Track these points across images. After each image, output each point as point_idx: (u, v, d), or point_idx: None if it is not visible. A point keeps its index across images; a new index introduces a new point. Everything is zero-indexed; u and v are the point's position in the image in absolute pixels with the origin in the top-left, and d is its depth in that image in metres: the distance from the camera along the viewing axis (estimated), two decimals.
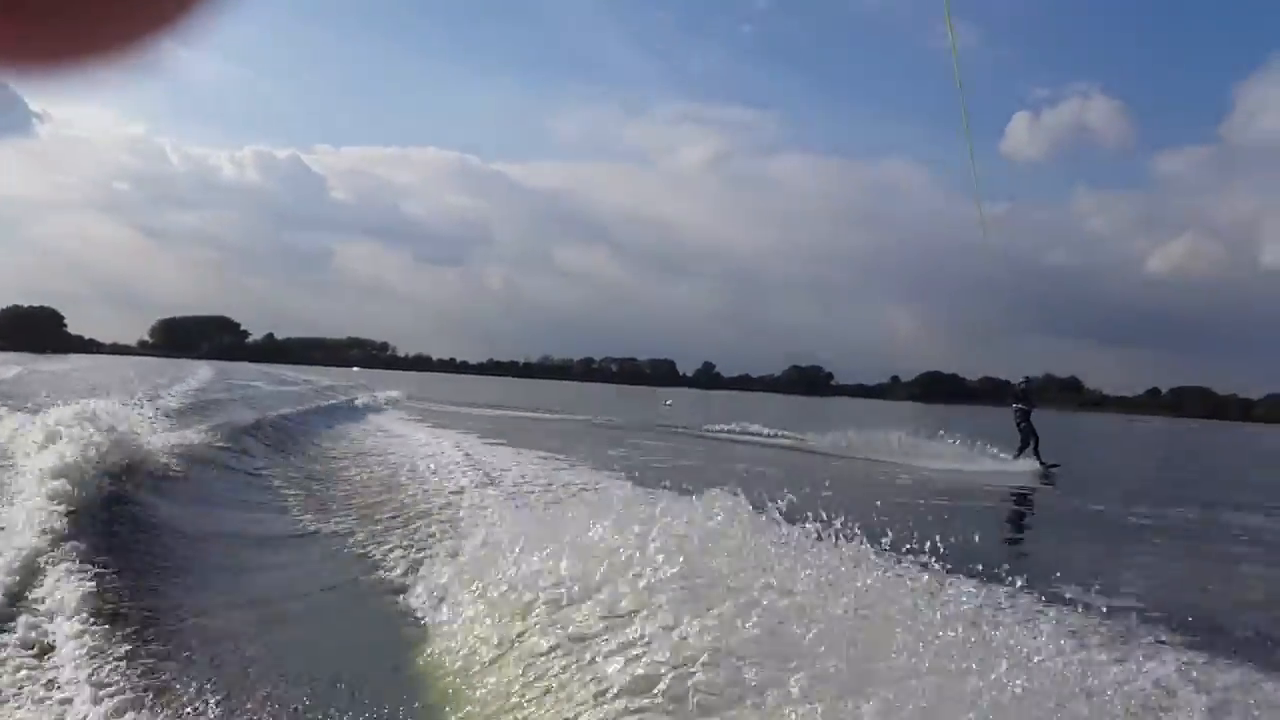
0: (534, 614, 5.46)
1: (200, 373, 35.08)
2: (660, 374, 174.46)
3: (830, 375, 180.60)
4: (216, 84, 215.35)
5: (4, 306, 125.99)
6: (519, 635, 5.35)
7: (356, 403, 27.55)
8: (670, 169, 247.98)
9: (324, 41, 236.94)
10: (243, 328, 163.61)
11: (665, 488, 7.43)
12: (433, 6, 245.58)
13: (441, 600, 6.52)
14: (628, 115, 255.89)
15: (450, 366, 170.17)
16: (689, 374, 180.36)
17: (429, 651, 5.74)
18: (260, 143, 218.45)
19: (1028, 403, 20.38)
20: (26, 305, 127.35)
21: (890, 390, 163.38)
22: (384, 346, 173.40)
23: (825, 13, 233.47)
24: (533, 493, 11.32)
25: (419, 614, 6.52)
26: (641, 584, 5.18)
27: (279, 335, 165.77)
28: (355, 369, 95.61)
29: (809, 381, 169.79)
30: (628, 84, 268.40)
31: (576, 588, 5.48)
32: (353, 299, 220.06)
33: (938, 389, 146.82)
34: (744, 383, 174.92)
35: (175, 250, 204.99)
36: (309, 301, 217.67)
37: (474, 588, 6.29)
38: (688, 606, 4.74)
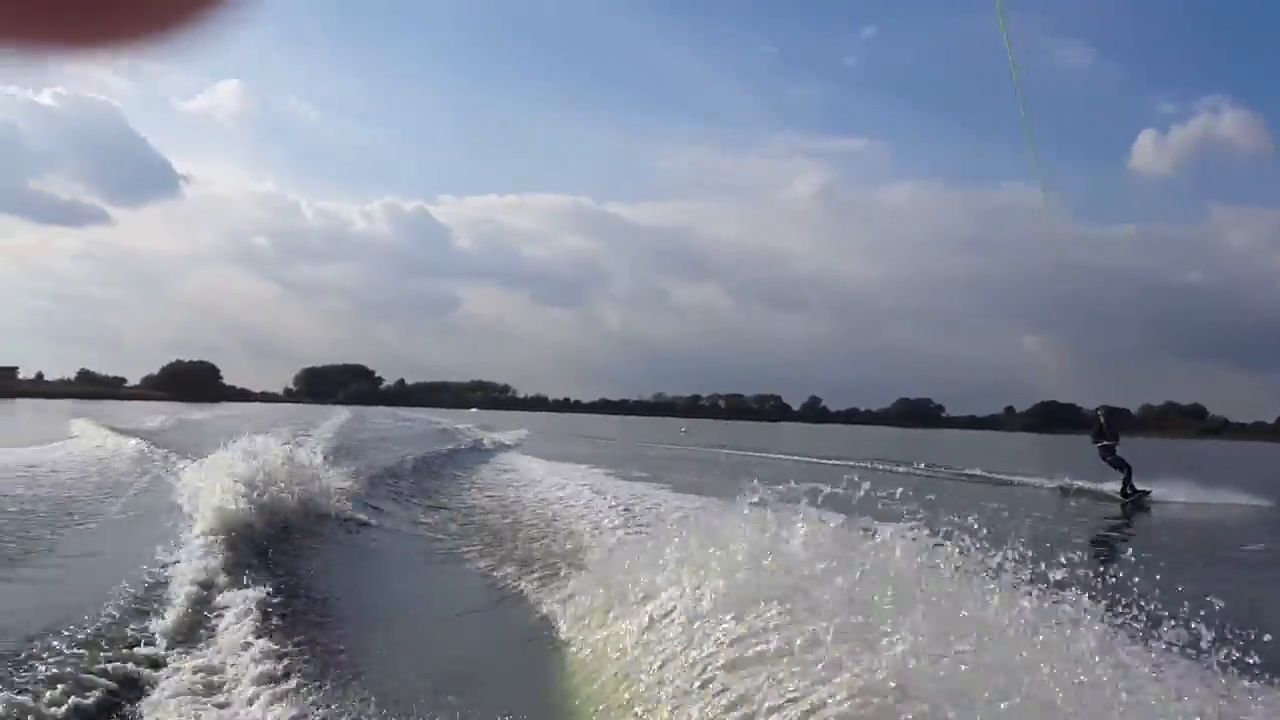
0: (669, 636, 5.46)
1: (340, 417, 36.94)
2: (767, 409, 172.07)
3: (940, 407, 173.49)
4: (346, 142, 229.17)
5: (168, 362, 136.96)
6: (652, 654, 5.37)
7: (485, 442, 28.37)
8: (778, 202, 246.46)
9: (442, 99, 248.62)
10: (376, 374, 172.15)
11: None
12: (538, 58, 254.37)
13: (577, 619, 6.72)
14: (732, 151, 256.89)
15: (565, 406, 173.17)
16: (796, 408, 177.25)
17: (564, 666, 5.96)
18: (388, 196, 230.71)
19: (1112, 436, 18.93)
20: (187, 360, 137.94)
21: (1004, 421, 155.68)
22: (504, 388, 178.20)
23: (931, 38, 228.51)
24: (659, 521, 11.29)
25: (556, 632, 6.75)
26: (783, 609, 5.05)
27: (409, 380, 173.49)
28: (474, 410, 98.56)
29: (919, 414, 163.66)
30: (730, 121, 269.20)
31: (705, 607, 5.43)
32: (476, 342, 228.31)
33: (1055, 419, 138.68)
34: (852, 416, 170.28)
35: (311, 301, 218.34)
36: (435, 346, 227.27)
37: (607, 609, 6.42)
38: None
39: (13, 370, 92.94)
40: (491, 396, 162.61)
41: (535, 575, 8.69)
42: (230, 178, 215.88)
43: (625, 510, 12.41)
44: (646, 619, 5.85)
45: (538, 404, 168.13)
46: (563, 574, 8.43)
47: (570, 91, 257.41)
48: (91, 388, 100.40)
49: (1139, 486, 18.63)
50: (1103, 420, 19.16)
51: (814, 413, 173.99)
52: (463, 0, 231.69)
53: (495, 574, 9.08)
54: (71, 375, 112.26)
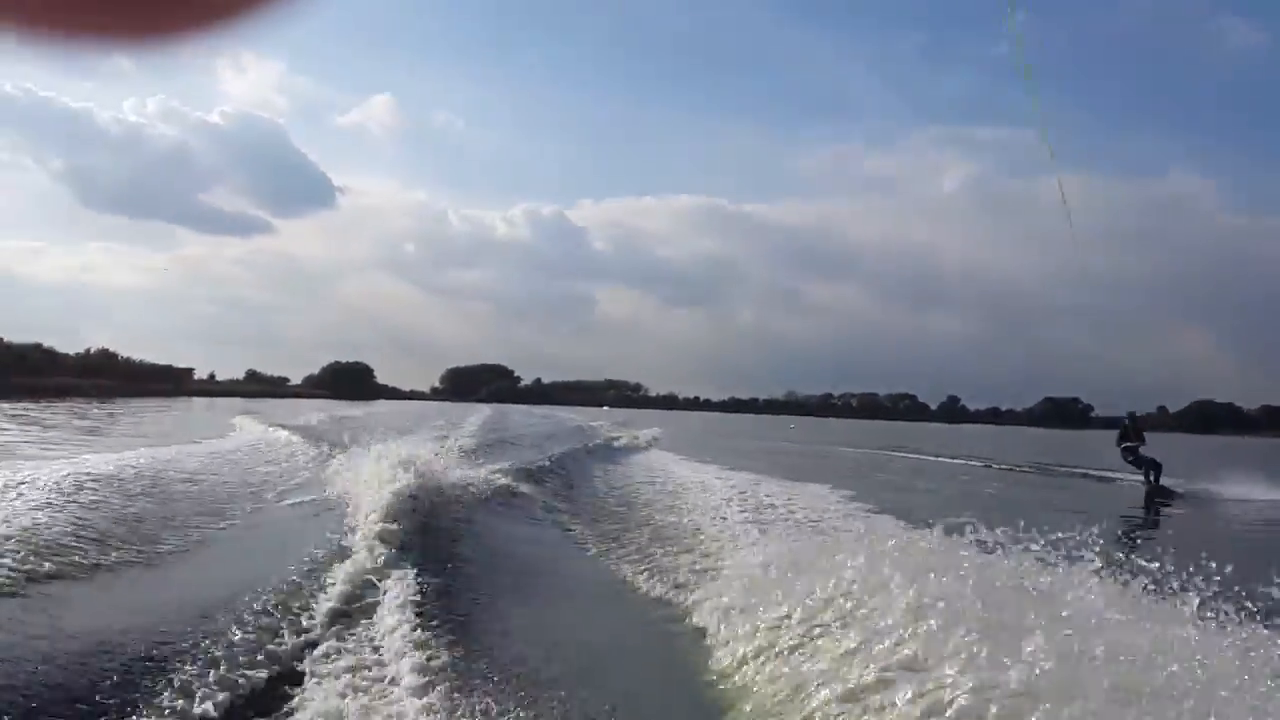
0: (807, 633, 5.48)
1: (483, 413, 38.28)
2: (901, 408, 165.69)
3: (1089, 407, 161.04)
4: (489, 151, 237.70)
5: (327, 363, 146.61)
6: (788, 650, 5.40)
7: (621, 439, 28.54)
8: (921, 197, 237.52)
9: (580, 105, 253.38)
10: (515, 373, 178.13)
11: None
12: (675, 63, 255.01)
13: (713, 614, 6.69)
14: (872, 146, 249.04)
15: (695, 404, 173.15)
16: (933, 407, 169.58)
17: (703, 660, 5.95)
18: (528, 201, 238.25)
19: (1137, 438, 19.67)
20: (345, 361, 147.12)
21: (1157, 421, 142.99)
22: (637, 387, 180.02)
23: (1088, 22, 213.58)
24: (801, 522, 10.92)
25: (699, 624, 6.73)
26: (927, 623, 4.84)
27: (545, 379, 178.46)
28: (605, 408, 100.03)
29: (1064, 414, 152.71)
30: (873, 116, 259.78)
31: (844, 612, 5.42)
32: (610, 342, 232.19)
33: (1211, 418, 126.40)
34: (992, 416, 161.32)
35: (455, 304, 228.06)
36: (571, 346, 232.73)
37: (743, 607, 6.41)
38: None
39: (190, 371, 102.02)
40: (624, 395, 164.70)
41: (674, 568, 8.69)
42: (382, 188, 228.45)
43: (763, 507, 12.06)
44: (792, 617, 5.82)
45: (668, 402, 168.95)
46: (702, 569, 8.44)
47: (707, 95, 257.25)
48: (258, 386, 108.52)
49: (1166, 485, 19.16)
50: (1128, 424, 20.08)
51: (951, 412, 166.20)
52: (599, 9, 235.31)
53: (635, 567, 9.10)
54: (240, 375, 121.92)
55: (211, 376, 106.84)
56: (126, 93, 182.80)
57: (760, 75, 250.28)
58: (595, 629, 7.16)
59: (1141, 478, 19.28)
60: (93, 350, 70.78)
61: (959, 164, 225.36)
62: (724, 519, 11.26)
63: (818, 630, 5.47)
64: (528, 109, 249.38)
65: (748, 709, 5.03)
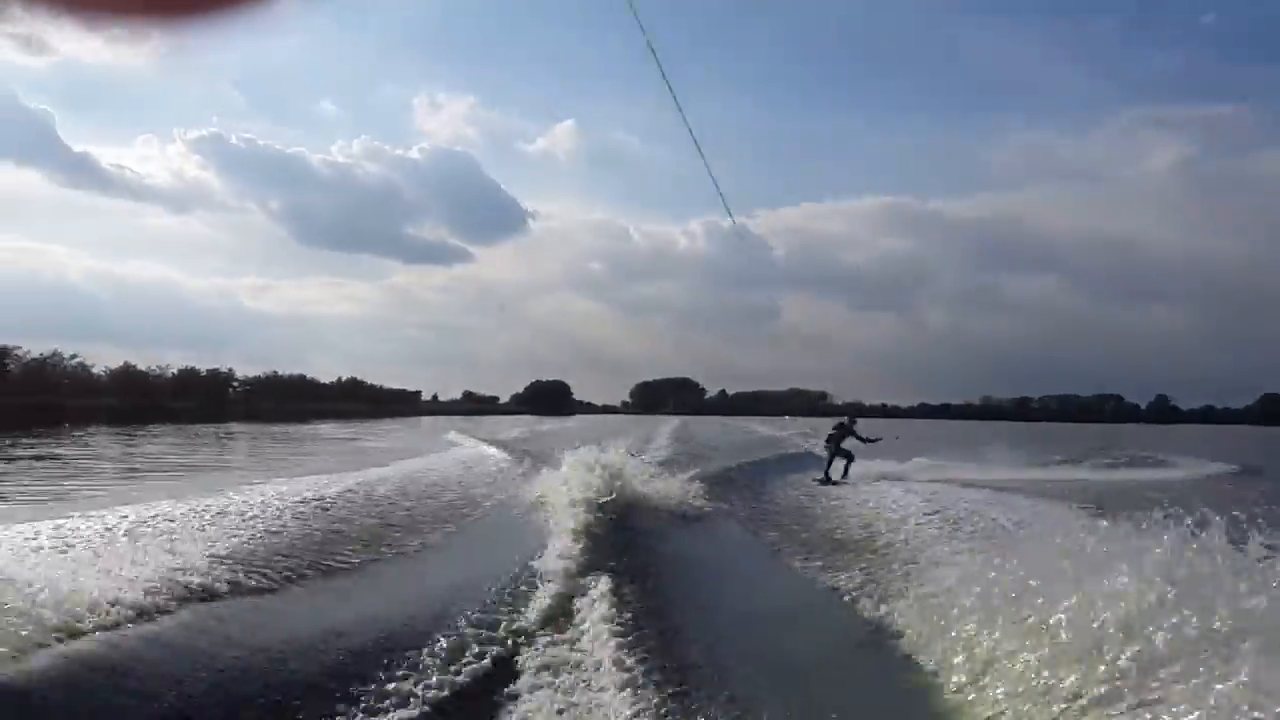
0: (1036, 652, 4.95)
1: (670, 426, 38.70)
2: (1105, 410, 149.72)
3: None
4: (666, 167, 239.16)
5: (530, 382, 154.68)
6: (1014, 672, 4.94)
7: (810, 449, 27.63)
8: (1125, 182, 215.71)
9: (753, 115, 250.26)
10: (700, 385, 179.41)
11: None
12: (850, 66, 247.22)
13: (923, 629, 6.28)
14: (1069, 133, 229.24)
15: (881, 412, 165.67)
16: (1143, 407, 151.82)
17: (915, 676, 5.59)
18: (706, 214, 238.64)
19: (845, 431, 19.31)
20: (545, 380, 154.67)
21: None
22: (822, 395, 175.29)
23: None
24: (1009, 532, 10.01)
25: (900, 636, 6.36)
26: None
27: (729, 390, 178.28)
28: (787, 417, 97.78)
29: None
30: (1067, 102, 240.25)
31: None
32: (795, 351, 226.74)
33: None
34: (1207, 415, 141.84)
35: (640, 318, 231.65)
36: (755, 356, 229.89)
37: (957, 621, 5.98)
38: None
39: (417, 394, 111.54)
40: (809, 404, 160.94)
41: (877, 579, 8.26)
42: (567, 211, 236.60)
43: (961, 518, 11.18)
44: (1006, 630, 5.39)
45: (854, 410, 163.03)
46: (905, 580, 7.95)
47: (884, 92, 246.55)
48: (473, 405, 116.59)
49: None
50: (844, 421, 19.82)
51: (1161, 412, 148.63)
52: (767, 18, 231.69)
53: (832, 576, 8.73)
54: (459, 395, 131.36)
55: (435, 398, 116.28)
56: (334, 136, 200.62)
57: (941, 68, 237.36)
58: (796, 638, 6.88)
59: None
60: (344, 379, 79.92)
61: (1165, 146, 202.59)
62: (923, 529, 10.56)
63: (1047, 651, 4.91)
64: (702, 123, 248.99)
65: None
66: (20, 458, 21.41)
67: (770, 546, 10.84)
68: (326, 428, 47.14)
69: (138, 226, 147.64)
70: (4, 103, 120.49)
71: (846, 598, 7.84)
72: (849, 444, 19.06)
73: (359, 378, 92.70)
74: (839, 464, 18.53)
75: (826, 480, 17.81)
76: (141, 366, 67.80)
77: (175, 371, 68.22)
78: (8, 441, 25.69)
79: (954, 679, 5.30)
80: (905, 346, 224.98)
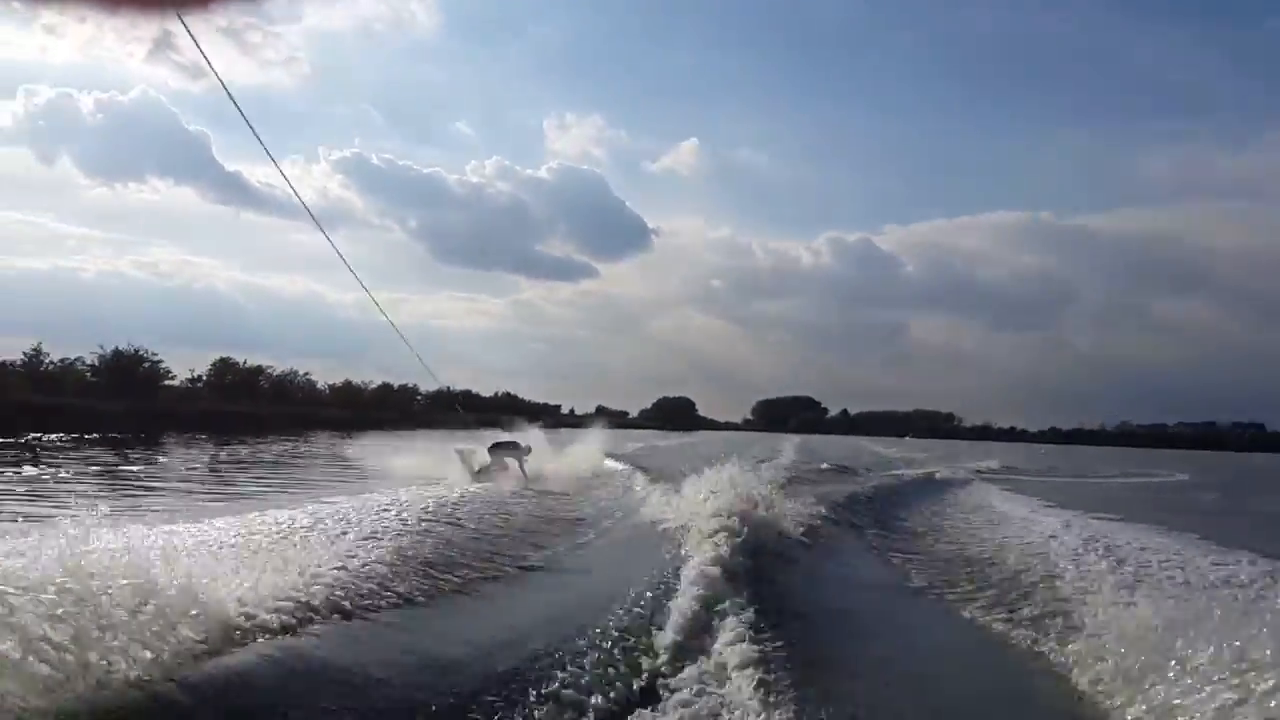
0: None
1: (794, 444, 37.55)
2: (1243, 439, 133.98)
3: None
4: (790, 183, 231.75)
5: (657, 398, 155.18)
6: None
7: (938, 475, 25.99)
8: None
9: (880, 128, 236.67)
10: (821, 404, 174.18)
11: None
12: (982, 76, 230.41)
13: (1091, 673, 5.58)
14: (1228, 145, 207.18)
15: (1008, 435, 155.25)
16: None
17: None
18: (831, 230, 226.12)
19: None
20: (672, 396, 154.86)
21: None
22: (949, 417, 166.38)
23: None
24: (1171, 573, 8.83)
25: (1070, 685, 5.60)
26: None
27: (851, 410, 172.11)
28: (907, 438, 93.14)
29: None
30: (1225, 111, 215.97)
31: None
32: (922, 370, 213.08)
33: None
34: None
35: (762, 335, 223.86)
36: (880, 375, 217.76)
37: (1133, 668, 5.31)
38: None
39: (557, 407, 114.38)
40: (935, 425, 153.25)
41: (1022, 617, 7.39)
42: (690, 227, 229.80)
43: (1117, 551, 9.91)
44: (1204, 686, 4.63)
45: (981, 433, 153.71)
46: (1057, 620, 7.08)
47: (1022, 103, 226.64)
48: (605, 420, 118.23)
49: None
50: None
51: None
52: (897, 28, 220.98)
53: (977, 608, 7.94)
54: (592, 409, 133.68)
55: (571, 412, 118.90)
56: (468, 155, 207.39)
57: (1083, 77, 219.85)
58: (943, 674, 6.23)
59: None
60: (500, 394, 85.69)
61: None
62: (1074, 563, 9.39)
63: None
64: (828, 137, 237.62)
65: None
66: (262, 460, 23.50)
67: (903, 571, 10.07)
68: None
69: (285, 242, 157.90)
70: (169, 125, 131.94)
71: (1001, 632, 7.10)
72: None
73: (513, 393, 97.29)
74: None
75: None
76: (356, 381, 76.05)
77: (376, 385, 75.96)
78: (267, 440, 31.56)
79: None
80: (1041, 368, 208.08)
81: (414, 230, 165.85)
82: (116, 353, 51.71)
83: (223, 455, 25.92)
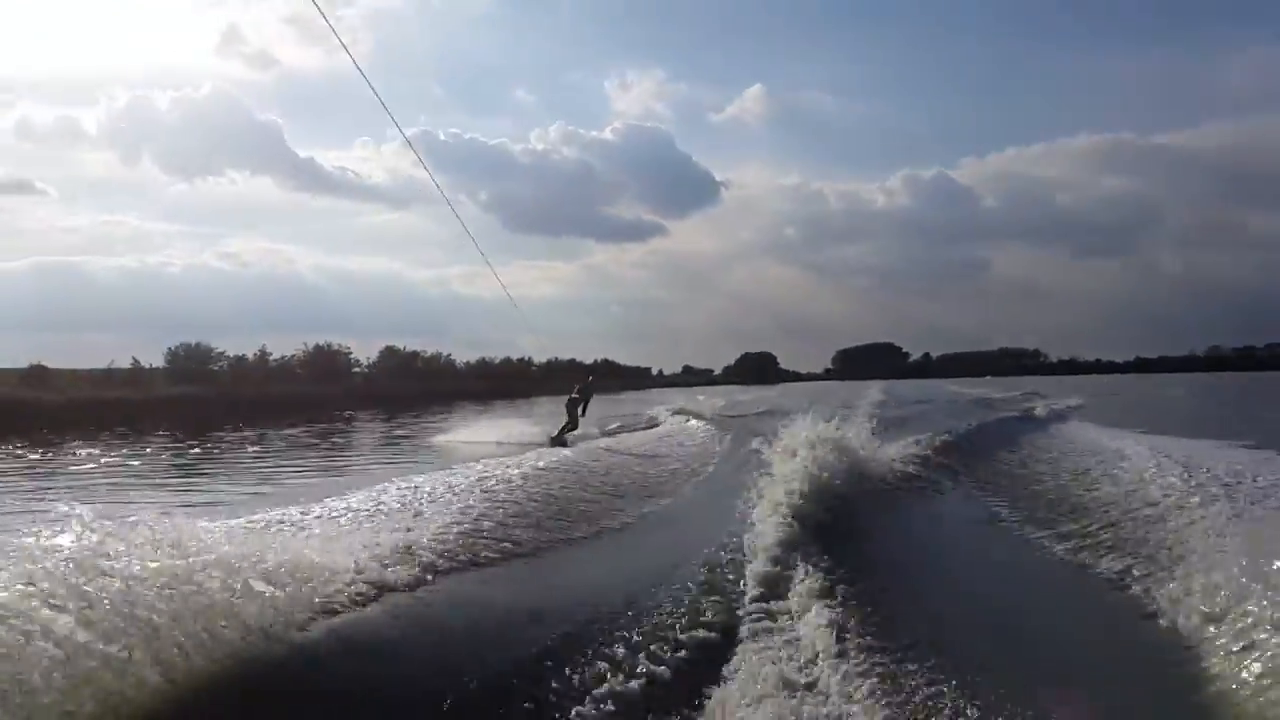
0: None
1: (874, 392, 36.27)
2: None
3: None
4: (860, 123, 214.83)
5: (739, 354, 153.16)
6: None
7: (1036, 412, 24.41)
8: None
9: (949, 57, 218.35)
10: (903, 349, 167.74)
11: None
12: None
13: (1205, 619, 4.96)
14: None
15: (1094, 368, 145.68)
16: None
17: (1183, 661, 4.55)
18: (905, 169, 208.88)
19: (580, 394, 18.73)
20: (754, 352, 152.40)
21: None
22: (1035, 354, 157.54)
23: None
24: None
25: (1167, 623, 5.16)
26: None
27: (933, 353, 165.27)
28: (988, 377, 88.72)
29: None
30: None
31: None
32: (1006, 306, 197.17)
33: None
34: None
35: (839, 282, 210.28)
36: (962, 314, 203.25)
37: (1236, 603, 4.82)
38: None
39: (647, 369, 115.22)
40: (1019, 363, 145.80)
41: (1124, 552, 6.90)
42: (759, 177, 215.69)
43: (1222, 483, 8.95)
44: None
45: (1068, 367, 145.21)
46: (1159, 554, 6.55)
47: (1095, 21, 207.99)
48: (692, 378, 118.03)
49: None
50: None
51: None
52: None
53: (1071, 547, 7.44)
54: (679, 369, 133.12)
55: (660, 373, 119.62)
56: (531, 124, 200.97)
57: None
58: (1033, 617, 5.80)
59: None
60: (599, 360, 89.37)
61: None
62: (1173, 496, 8.55)
63: None
64: (896, 72, 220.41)
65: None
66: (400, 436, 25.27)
67: (995, 514, 9.55)
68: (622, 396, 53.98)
69: (362, 224, 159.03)
70: (240, 117, 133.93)
71: (1096, 571, 6.65)
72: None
73: (611, 359, 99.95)
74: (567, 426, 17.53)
75: (558, 440, 16.60)
76: (492, 358, 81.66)
77: (499, 360, 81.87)
78: (413, 415, 35.02)
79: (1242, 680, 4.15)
80: (1127, 295, 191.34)
81: (484, 203, 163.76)
82: (317, 347, 60.95)
83: (397, 429, 28.05)
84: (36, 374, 41.11)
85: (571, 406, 18.63)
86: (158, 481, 14.32)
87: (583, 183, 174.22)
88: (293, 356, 59.44)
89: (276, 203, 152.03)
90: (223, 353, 53.56)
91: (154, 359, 50.23)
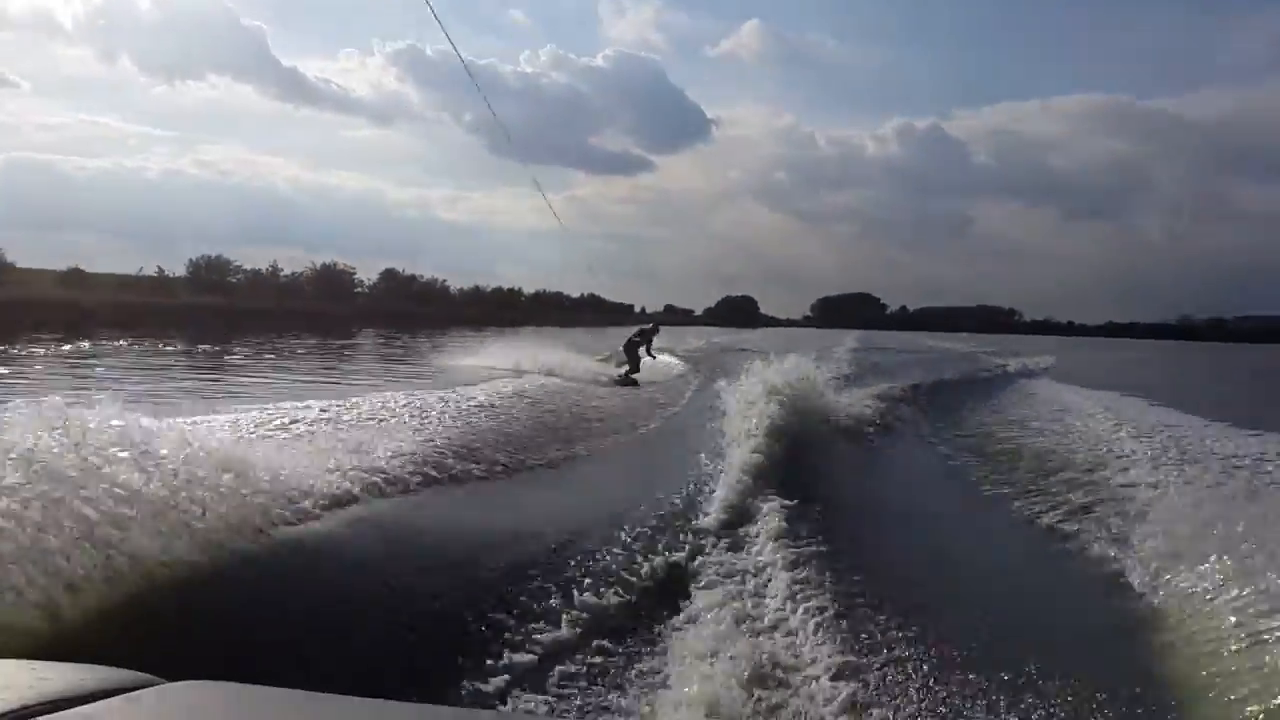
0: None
1: (849, 341, 36.32)
2: None
3: None
4: (858, 68, 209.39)
5: (721, 297, 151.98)
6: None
7: (1008, 367, 24.35)
8: None
9: (951, 3, 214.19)
10: (881, 301, 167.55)
11: None
12: None
13: (1159, 578, 4.98)
14: None
15: (1066, 330, 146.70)
16: None
17: (1154, 630, 4.41)
18: (899, 117, 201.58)
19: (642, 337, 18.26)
20: (735, 295, 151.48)
21: None
22: (1011, 312, 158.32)
23: None
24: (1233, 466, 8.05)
25: (1135, 590, 5.04)
26: None
27: (911, 306, 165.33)
28: (963, 333, 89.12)
29: None
30: None
31: None
32: (987, 264, 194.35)
33: None
34: None
35: (824, 228, 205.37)
36: (943, 269, 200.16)
37: (1195, 570, 4.77)
38: None
39: (630, 306, 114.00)
40: (995, 320, 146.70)
41: (1080, 510, 6.88)
42: (752, 117, 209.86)
43: (1181, 447, 9.04)
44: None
45: (1040, 328, 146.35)
46: (1115, 512, 6.53)
47: None
48: (672, 318, 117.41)
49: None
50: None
51: None
52: None
53: (1027, 503, 7.41)
54: (661, 308, 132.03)
55: (643, 310, 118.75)
56: (521, 45, 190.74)
57: None
58: (986, 567, 5.86)
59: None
60: (585, 295, 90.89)
61: None
62: (1132, 457, 8.63)
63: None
64: (899, 18, 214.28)
65: (1202, 676, 3.71)
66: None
67: (955, 467, 9.55)
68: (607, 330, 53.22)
69: (343, 138, 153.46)
70: (225, 20, 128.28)
71: (1050, 527, 6.62)
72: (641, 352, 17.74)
73: (598, 294, 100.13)
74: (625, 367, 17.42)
75: (626, 382, 16.49)
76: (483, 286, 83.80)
77: (490, 289, 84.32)
78: (406, 336, 35.62)
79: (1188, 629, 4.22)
80: (1110, 260, 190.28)
81: (469, 124, 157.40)
82: (325, 266, 63.95)
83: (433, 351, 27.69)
84: (74, 276, 41.55)
85: (631, 349, 18.28)
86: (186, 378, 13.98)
87: (571, 110, 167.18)
88: (301, 274, 61.79)
89: (257, 111, 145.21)
90: (239, 266, 56.22)
91: (129, 265, 50.15)
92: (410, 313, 57.32)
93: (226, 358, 20.66)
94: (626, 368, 17.68)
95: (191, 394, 12.19)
